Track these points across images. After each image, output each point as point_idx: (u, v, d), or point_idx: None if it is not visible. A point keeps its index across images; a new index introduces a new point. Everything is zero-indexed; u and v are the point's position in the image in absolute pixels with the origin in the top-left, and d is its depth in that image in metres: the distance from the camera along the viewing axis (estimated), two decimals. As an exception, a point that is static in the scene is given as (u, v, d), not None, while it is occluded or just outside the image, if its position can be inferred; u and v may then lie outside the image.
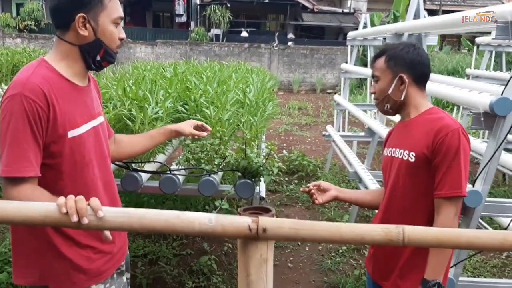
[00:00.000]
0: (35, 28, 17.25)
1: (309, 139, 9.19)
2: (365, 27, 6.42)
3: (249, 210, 1.27)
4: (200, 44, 17.69)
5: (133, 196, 3.94)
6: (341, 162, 7.01)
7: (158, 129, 1.97)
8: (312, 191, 1.96)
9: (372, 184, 3.67)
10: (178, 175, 2.18)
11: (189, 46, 17.52)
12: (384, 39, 5.78)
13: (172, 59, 16.16)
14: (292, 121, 11.00)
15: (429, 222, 1.77)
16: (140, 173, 2.21)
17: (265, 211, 1.25)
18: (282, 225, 1.21)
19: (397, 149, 1.83)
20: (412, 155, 1.74)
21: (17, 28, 17.29)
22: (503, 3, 18.49)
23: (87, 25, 1.49)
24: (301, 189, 1.95)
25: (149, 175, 2.28)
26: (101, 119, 1.67)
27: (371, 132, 4.24)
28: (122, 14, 1.58)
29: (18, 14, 18.17)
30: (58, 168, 1.50)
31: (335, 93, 17.13)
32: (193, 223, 1.21)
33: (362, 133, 5.89)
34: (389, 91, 1.80)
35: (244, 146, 2.04)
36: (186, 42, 17.69)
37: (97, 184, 1.61)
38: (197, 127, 1.96)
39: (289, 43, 18.16)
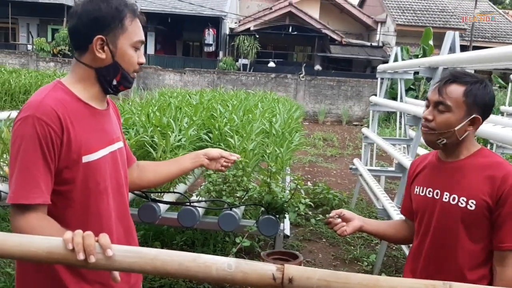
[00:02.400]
0: (69, 53, 17.75)
1: (334, 172, 8.99)
2: (395, 60, 6.29)
3: (273, 255, 1.14)
4: (228, 73, 17.86)
5: (152, 225, 3.83)
6: (368, 197, 6.78)
7: (186, 155, 1.86)
8: (335, 222, 1.78)
9: (402, 223, 3.46)
10: (198, 207, 2.06)
11: (216, 75, 17.71)
12: (416, 73, 5.64)
13: (200, 87, 16.33)
14: (317, 152, 10.83)
15: (484, 274, 1.61)
16: (159, 203, 2.09)
17: (292, 257, 1.12)
18: (311, 275, 1.06)
19: (445, 193, 1.64)
20: (472, 202, 1.56)
21: (51, 52, 17.83)
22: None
23: (105, 48, 1.41)
24: (325, 220, 1.79)
25: (168, 205, 2.16)
26: (119, 144, 1.57)
27: (401, 168, 4.04)
28: (143, 38, 1.50)
29: (53, 39, 18.78)
30: (69, 196, 1.41)
31: (361, 125, 16.93)
32: (210, 268, 1.08)
33: (391, 168, 5.68)
34: (456, 128, 1.59)
35: (269, 180, 1.91)
36: (214, 71, 17.90)
37: (110, 215, 1.50)
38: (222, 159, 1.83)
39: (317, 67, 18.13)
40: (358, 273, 1.06)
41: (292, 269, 1.06)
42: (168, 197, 2.18)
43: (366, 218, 1.86)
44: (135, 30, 1.45)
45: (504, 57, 3.09)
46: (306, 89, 17.78)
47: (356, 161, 6.12)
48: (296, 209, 1.90)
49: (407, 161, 3.89)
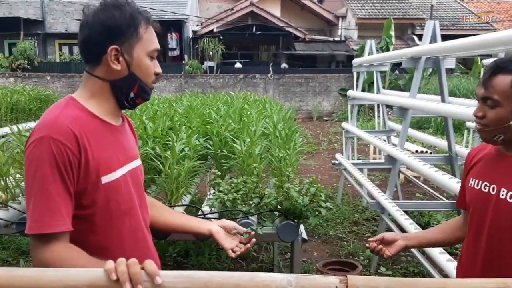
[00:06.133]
0: (28, 67, 17.14)
1: (314, 168, 9.02)
2: (370, 53, 6.35)
3: (329, 265, 1.08)
4: (195, 76, 17.66)
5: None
6: (351, 191, 6.84)
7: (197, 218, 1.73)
8: (377, 248, 1.72)
9: (400, 215, 3.47)
10: (212, 219, 1.97)
11: (184, 79, 17.48)
12: (396, 64, 5.71)
13: (167, 93, 16.09)
14: (293, 150, 10.83)
15: None
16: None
17: (349, 266, 1.06)
18: (377, 284, 1.01)
19: (503, 189, 1.50)
20: None
21: (10, 67, 17.18)
22: (494, 30, 18.80)
23: (120, 58, 1.33)
24: (367, 245, 1.75)
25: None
26: (138, 162, 1.47)
27: (391, 160, 4.07)
28: (158, 46, 1.41)
29: (10, 53, 18.10)
30: (91, 220, 1.31)
31: (331, 120, 17.11)
32: (269, 286, 1.01)
33: (380, 160, 5.72)
34: None
35: (287, 185, 1.85)
36: (181, 75, 17.66)
37: (136, 237, 1.40)
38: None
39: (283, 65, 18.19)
40: (424, 278, 1.02)
41: (356, 280, 1.00)
42: (178, 210, 2.09)
43: (409, 234, 1.79)
44: (150, 38, 1.37)
45: (483, 44, 3.15)
46: (275, 88, 17.81)
47: (338, 156, 6.16)
48: (317, 213, 1.85)
49: (397, 153, 3.91)
